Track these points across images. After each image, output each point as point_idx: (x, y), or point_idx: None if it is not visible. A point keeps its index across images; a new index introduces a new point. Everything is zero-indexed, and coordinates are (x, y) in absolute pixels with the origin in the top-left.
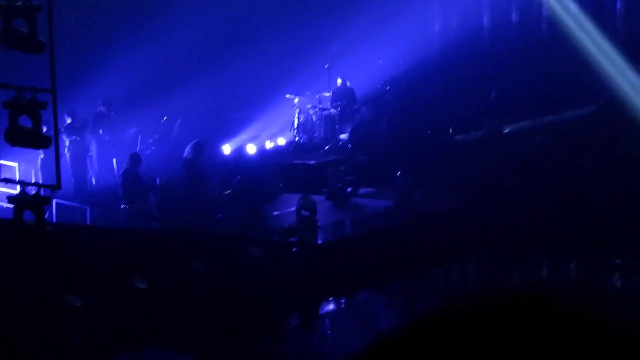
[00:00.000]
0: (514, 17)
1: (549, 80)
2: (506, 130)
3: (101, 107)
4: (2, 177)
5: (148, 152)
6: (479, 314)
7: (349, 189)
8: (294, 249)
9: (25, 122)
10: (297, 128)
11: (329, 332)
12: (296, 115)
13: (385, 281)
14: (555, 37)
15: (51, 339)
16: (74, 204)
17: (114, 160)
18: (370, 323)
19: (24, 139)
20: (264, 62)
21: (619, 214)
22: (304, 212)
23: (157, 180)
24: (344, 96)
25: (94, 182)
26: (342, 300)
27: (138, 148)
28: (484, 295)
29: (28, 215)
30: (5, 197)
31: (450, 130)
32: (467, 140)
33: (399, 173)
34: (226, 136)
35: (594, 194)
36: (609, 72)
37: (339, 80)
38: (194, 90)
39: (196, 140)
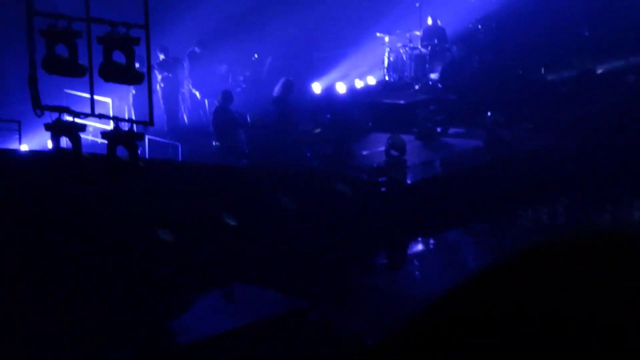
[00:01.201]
0: None
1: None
2: (598, 70)
3: (195, 48)
4: (96, 112)
5: (239, 89)
6: (566, 254)
7: (439, 129)
8: (383, 188)
9: (119, 57)
10: (387, 67)
11: (417, 271)
12: (386, 54)
13: (474, 221)
14: None
15: (142, 273)
16: (166, 141)
17: (205, 98)
18: (459, 263)
19: (117, 74)
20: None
21: None
22: (393, 152)
23: (248, 118)
24: (434, 35)
25: (185, 119)
26: (431, 240)
27: (229, 85)
28: (571, 236)
29: (121, 151)
30: (99, 132)
31: (542, 69)
32: (559, 80)
33: (489, 113)
34: (316, 75)
35: None
36: None
37: (430, 19)
38: (285, 28)
39: (286, 78)
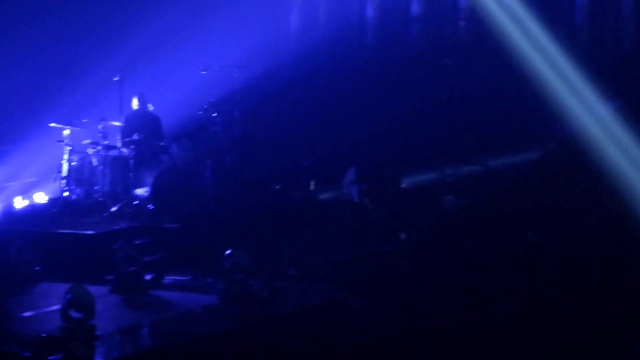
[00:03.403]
0: (416, 7)
1: (470, 107)
2: (402, 185)
3: None
4: None
5: None
6: None
7: (148, 276)
8: None
9: None
10: (67, 177)
11: None
12: (66, 157)
13: None
14: (479, 38)
15: None
16: None
17: None
18: None
19: None
20: (8, 70)
21: None
22: (73, 313)
23: None
24: (144, 127)
25: None
26: None
27: None
28: None
29: None
30: None
31: (312, 184)
32: (338, 200)
33: (228, 251)
34: None
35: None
36: (561, 96)
37: (136, 102)
38: None
39: None
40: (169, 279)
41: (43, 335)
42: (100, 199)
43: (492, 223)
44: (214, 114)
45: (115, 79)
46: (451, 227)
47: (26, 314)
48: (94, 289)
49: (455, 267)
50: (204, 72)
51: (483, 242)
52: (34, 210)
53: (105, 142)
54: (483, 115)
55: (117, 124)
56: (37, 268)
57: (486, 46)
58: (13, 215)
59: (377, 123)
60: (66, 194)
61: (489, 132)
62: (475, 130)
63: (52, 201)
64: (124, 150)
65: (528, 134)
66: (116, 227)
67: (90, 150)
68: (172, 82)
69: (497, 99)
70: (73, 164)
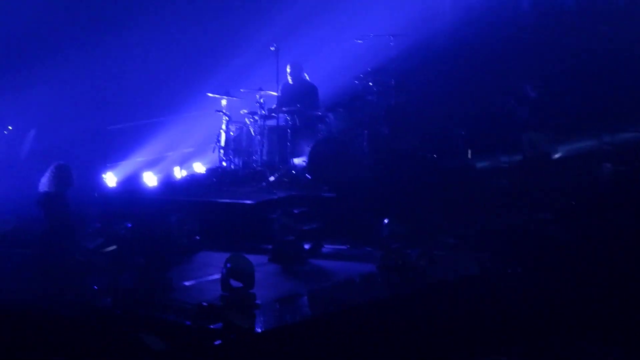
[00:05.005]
0: None
1: (629, 72)
2: (556, 155)
3: None
4: None
5: None
6: None
7: (307, 245)
8: (218, 341)
9: None
10: (224, 147)
11: None
12: (223, 127)
13: None
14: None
15: None
16: None
17: None
18: None
19: None
20: (169, 42)
21: None
22: (233, 282)
23: None
24: (300, 97)
25: None
26: None
27: None
28: None
29: None
30: None
31: (469, 153)
32: (493, 169)
33: (385, 220)
34: (110, 158)
35: None
36: None
37: (291, 71)
38: (60, 82)
39: (59, 163)
40: (327, 247)
41: (204, 304)
42: (259, 168)
43: None
44: (370, 83)
45: (272, 48)
46: (609, 196)
47: (187, 283)
48: (253, 258)
49: (614, 237)
50: (359, 41)
51: None
52: (193, 180)
53: (263, 112)
54: None
55: (273, 93)
56: (197, 238)
57: None
58: (173, 186)
59: (533, 90)
60: (224, 163)
61: None
62: (634, 95)
63: (210, 171)
64: (282, 118)
65: None
66: (274, 197)
67: (247, 120)
68: (328, 51)
69: None
70: (231, 133)
